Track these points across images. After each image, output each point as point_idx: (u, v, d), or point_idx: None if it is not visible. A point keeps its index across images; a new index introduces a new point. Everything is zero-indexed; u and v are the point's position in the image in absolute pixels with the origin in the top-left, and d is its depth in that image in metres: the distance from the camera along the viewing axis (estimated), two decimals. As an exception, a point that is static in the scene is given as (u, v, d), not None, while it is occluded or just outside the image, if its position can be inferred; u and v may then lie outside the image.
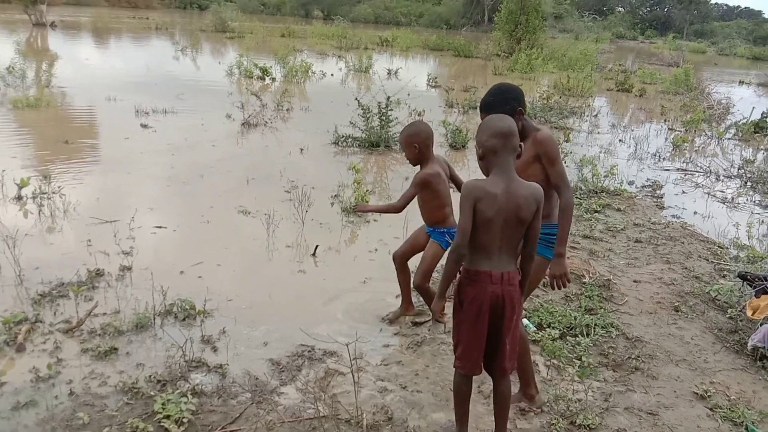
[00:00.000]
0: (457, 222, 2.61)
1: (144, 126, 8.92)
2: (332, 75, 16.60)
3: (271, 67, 14.99)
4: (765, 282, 4.35)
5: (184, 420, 2.88)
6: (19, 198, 5.66)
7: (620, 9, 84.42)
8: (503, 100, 3.00)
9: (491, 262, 2.55)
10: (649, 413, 3.37)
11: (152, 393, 3.08)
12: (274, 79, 14.61)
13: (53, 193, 5.76)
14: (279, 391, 3.25)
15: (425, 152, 3.79)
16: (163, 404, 2.94)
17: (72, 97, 10.97)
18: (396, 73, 17.43)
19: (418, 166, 3.86)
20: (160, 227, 5.30)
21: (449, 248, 2.56)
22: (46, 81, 11.99)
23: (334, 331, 3.84)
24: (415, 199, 3.83)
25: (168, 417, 2.87)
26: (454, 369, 2.76)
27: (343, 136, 8.69)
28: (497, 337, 2.62)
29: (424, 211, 3.92)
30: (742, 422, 3.32)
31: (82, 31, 26.32)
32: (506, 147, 2.51)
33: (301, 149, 8.23)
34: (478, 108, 3.10)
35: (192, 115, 9.98)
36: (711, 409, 3.46)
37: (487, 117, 2.66)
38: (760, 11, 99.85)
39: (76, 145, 7.73)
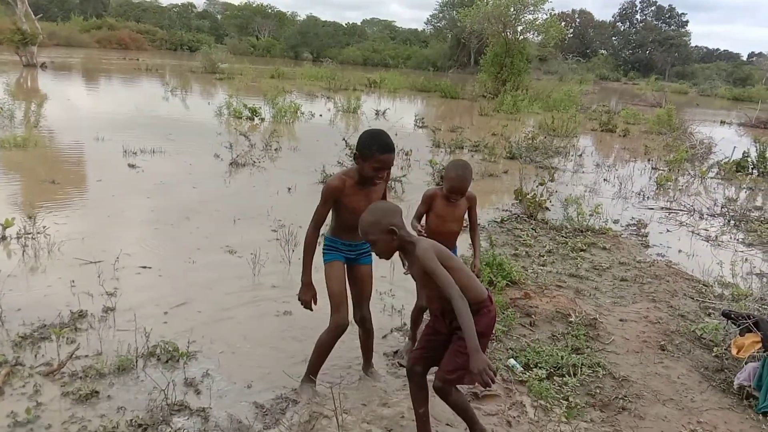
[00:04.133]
0: None
1: (132, 166, 8.93)
2: (321, 115, 16.77)
3: (260, 107, 15.14)
4: (749, 320, 4.37)
5: (165, 465, 2.82)
6: (2, 238, 5.62)
7: (603, 51, 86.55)
8: None
9: None
10: (637, 454, 3.34)
11: (133, 438, 3.02)
12: (263, 120, 14.74)
13: (38, 233, 5.72)
14: (262, 435, 3.20)
15: None
16: (143, 449, 2.89)
17: (60, 137, 10.99)
18: (384, 113, 17.64)
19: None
20: (144, 267, 5.26)
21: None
22: (34, 121, 12.01)
23: (319, 373, 3.78)
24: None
25: (148, 462, 2.82)
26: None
27: (330, 176, 8.74)
28: None
29: None
30: (731, 463, 3.30)
31: (73, 71, 26.53)
32: None
33: (289, 188, 8.27)
34: (383, 148, 3.29)
35: (180, 155, 10.02)
36: (699, 450, 3.44)
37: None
38: (739, 54, 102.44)
39: (62, 185, 7.72)
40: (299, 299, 3.49)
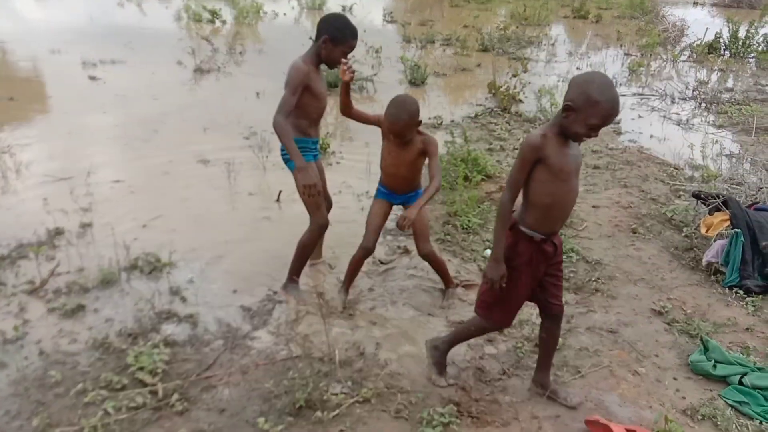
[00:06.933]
0: None
1: (92, 78, 8.58)
2: (285, 14, 16.08)
3: (220, 9, 14.44)
4: (718, 200, 4.50)
5: (158, 370, 2.91)
6: (-34, 160, 5.46)
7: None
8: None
9: None
10: (610, 331, 3.53)
11: (124, 347, 3.10)
12: (224, 22, 14.10)
13: (2, 152, 5.56)
14: (251, 336, 3.30)
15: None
16: (135, 357, 2.97)
17: (13, 51, 10.44)
18: (350, 9, 16.95)
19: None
20: (117, 182, 5.18)
21: None
22: (-18, 36, 11.36)
23: (301, 274, 3.85)
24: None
25: (142, 369, 2.90)
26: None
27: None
28: None
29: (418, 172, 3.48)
30: (698, 334, 3.50)
31: (17, -21, 24.85)
32: None
33: (258, 93, 8.05)
34: (354, 33, 3.38)
35: (141, 64, 9.61)
36: (668, 324, 3.64)
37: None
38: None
39: (22, 102, 7.41)
40: (303, 186, 3.26)
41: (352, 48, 3.35)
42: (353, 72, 3.26)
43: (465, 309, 3.64)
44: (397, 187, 3.45)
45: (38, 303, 3.48)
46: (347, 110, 3.37)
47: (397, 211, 3.93)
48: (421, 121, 3.24)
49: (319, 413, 2.70)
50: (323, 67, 3.44)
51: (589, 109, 2.35)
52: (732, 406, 2.99)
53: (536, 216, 2.57)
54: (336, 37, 3.26)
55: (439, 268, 3.70)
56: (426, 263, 3.76)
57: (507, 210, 2.53)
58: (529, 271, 2.65)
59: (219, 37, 12.14)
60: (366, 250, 3.51)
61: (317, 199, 3.45)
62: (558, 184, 2.49)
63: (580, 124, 2.38)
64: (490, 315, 2.78)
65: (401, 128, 3.17)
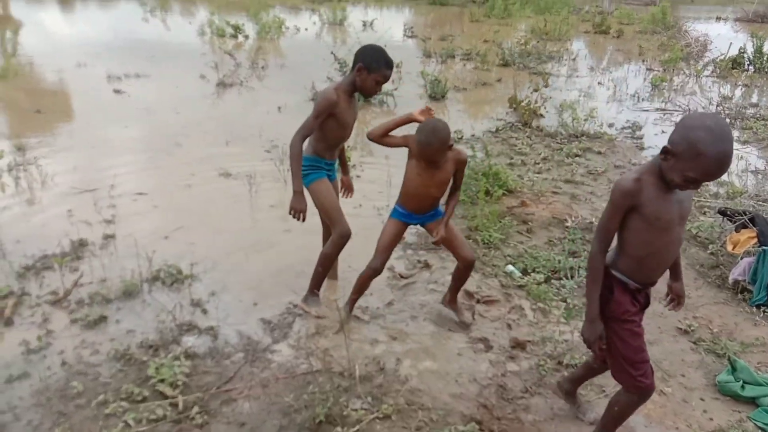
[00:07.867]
0: None
1: (117, 92, 8.72)
2: (306, 29, 16.25)
3: (243, 24, 14.63)
4: (745, 216, 4.42)
5: (179, 383, 2.91)
6: (-6, 171, 5.55)
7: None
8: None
9: None
10: (635, 350, 3.46)
11: (145, 358, 3.10)
12: (247, 37, 14.28)
13: (29, 164, 5.66)
14: (272, 349, 3.29)
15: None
16: (156, 368, 2.97)
17: (41, 65, 10.66)
18: (371, 24, 17.09)
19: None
20: (140, 194, 5.23)
21: None
22: (11, 50, 11.61)
23: (322, 288, 3.84)
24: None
25: (162, 381, 2.91)
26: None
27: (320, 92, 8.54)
28: None
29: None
30: (725, 353, 3.43)
31: (45, -5, 25.40)
32: None
33: (279, 107, 8.12)
34: (389, 64, 3.42)
35: (165, 78, 9.76)
36: (694, 343, 3.57)
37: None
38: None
39: (48, 114, 7.55)
40: (292, 209, 3.36)
41: (386, 78, 3.42)
42: (432, 114, 3.25)
43: (486, 325, 3.61)
44: (420, 208, 3.37)
45: (61, 313, 3.51)
46: (382, 137, 3.27)
47: (410, 230, 3.88)
48: (452, 144, 3.18)
49: (339, 429, 2.67)
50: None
51: (689, 160, 2.03)
52: (762, 429, 2.91)
53: (630, 264, 2.32)
54: (370, 66, 3.33)
55: (463, 282, 3.65)
56: (447, 278, 3.74)
57: (598, 263, 2.28)
58: (637, 317, 2.36)
59: (241, 51, 12.27)
60: (373, 271, 3.43)
61: (335, 213, 3.52)
62: (655, 234, 2.22)
63: (677, 172, 2.08)
64: (646, 380, 2.38)
65: (433, 154, 3.13)
